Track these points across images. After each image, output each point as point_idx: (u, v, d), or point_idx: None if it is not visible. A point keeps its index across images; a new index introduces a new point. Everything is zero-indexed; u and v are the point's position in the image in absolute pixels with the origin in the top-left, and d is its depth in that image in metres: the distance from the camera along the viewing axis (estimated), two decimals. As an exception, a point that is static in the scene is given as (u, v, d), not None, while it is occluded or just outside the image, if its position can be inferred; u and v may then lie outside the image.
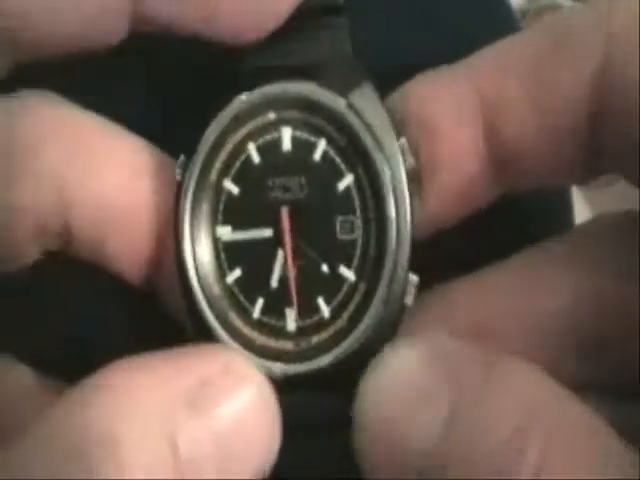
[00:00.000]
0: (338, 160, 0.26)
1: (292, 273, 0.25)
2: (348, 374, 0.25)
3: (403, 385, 0.23)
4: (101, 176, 0.26)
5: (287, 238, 0.25)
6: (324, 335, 0.26)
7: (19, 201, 0.26)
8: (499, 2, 0.33)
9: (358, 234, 0.26)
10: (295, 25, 0.26)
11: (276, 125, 0.26)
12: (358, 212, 0.26)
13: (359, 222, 0.26)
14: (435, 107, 0.26)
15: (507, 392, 0.22)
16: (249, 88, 0.25)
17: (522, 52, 0.26)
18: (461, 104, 0.26)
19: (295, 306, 0.26)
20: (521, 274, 0.27)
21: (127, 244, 0.27)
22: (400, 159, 0.25)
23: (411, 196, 0.25)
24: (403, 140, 0.25)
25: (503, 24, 0.33)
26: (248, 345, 0.25)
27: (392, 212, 0.25)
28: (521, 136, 0.25)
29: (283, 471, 0.25)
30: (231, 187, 0.26)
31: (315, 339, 0.26)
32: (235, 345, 0.25)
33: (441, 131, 0.26)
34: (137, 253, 0.27)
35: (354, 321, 0.25)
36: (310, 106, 0.25)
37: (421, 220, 0.26)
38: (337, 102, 0.25)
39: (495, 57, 0.26)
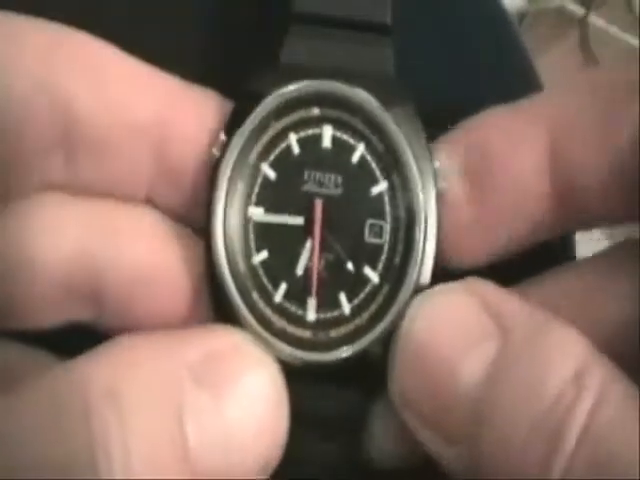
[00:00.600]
0: (374, 166, 0.26)
1: (317, 264, 0.26)
2: (362, 371, 0.25)
3: (451, 323, 0.23)
4: (130, 243, 0.26)
5: (317, 229, 0.26)
6: (342, 330, 0.26)
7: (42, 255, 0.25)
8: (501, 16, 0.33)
9: (385, 239, 0.26)
10: (341, 35, 0.27)
11: (319, 121, 0.26)
12: (388, 218, 0.26)
13: (388, 228, 0.26)
14: (502, 136, 0.26)
15: (557, 348, 0.22)
16: (293, 79, 0.26)
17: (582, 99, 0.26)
18: (528, 135, 0.26)
19: (316, 297, 0.26)
20: (575, 284, 0.27)
21: (158, 308, 0.26)
22: (431, 180, 0.26)
23: (439, 217, 0.26)
24: (437, 164, 0.26)
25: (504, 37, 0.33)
26: (267, 326, 0.25)
27: (420, 229, 0.25)
28: (587, 172, 0.25)
29: (286, 463, 0.24)
30: (268, 171, 0.26)
31: (333, 333, 0.26)
32: (254, 323, 0.25)
33: (505, 159, 0.26)
34: (168, 316, 0.27)
35: (373, 321, 0.25)
36: (354, 109, 0.26)
37: (473, 247, 0.27)
38: (377, 108, 0.26)
39: (560, 96, 0.26)
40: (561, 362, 0.21)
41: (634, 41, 0.85)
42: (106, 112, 0.25)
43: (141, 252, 0.27)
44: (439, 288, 0.25)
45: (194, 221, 0.27)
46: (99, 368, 0.21)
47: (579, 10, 0.86)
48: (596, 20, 0.87)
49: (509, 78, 0.32)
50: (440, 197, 0.26)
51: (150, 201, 0.27)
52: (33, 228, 0.26)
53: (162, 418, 0.21)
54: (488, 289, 0.24)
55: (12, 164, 0.25)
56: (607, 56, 0.84)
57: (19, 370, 0.26)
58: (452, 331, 0.23)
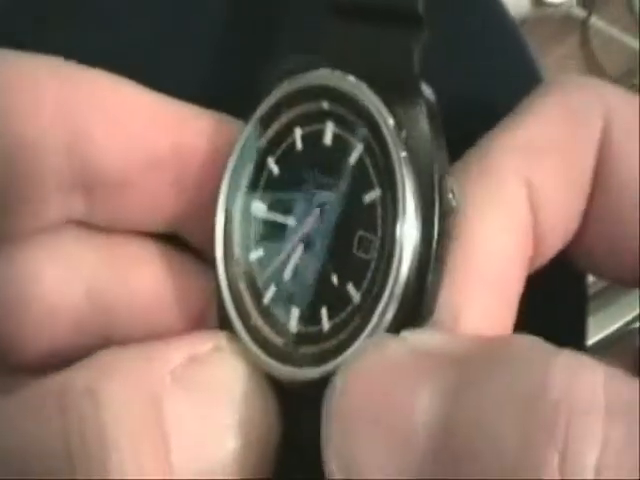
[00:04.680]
0: (371, 171, 0.23)
1: (303, 271, 0.24)
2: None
3: (394, 368, 0.20)
4: (138, 278, 0.26)
5: (308, 235, 0.24)
6: (319, 348, 0.23)
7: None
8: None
9: (373, 256, 0.23)
10: (365, 25, 0.25)
11: (324, 116, 0.24)
12: (379, 232, 0.23)
13: (377, 244, 0.23)
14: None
15: (509, 371, 0.19)
16: (308, 69, 0.25)
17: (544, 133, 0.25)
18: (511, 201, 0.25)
19: (299, 307, 0.24)
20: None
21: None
22: (436, 195, 0.22)
23: (440, 245, 0.22)
24: (449, 178, 0.23)
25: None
26: (252, 332, 0.24)
27: (397, 256, 0.22)
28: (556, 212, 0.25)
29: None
30: (273, 167, 0.25)
31: (311, 349, 0.23)
32: (240, 325, 0.24)
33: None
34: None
35: (348, 343, 0.22)
36: (356, 106, 0.24)
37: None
38: (378, 107, 0.23)
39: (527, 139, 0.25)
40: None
41: (635, 42, 0.85)
42: (123, 147, 0.25)
43: (146, 286, 0.26)
44: (366, 345, 0.22)
45: None
46: (78, 371, 0.21)
47: (580, 12, 0.86)
48: (597, 22, 0.87)
49: (513, 79, 0.32)
50: (446, 215, 0.22)
51: (174, 235, 0.27)
52: (44, 265, 0.26)
53: (141, 414, 0.21)
54: (428, 336, 0.22)
55: (26, 202, 0.25)
56: (608, 57, 0.84)
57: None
58: (391, 378, 0.20)
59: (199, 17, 0.31)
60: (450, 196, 0.23)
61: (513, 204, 0.24)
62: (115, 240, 0.27)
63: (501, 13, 0.33)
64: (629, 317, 0.69)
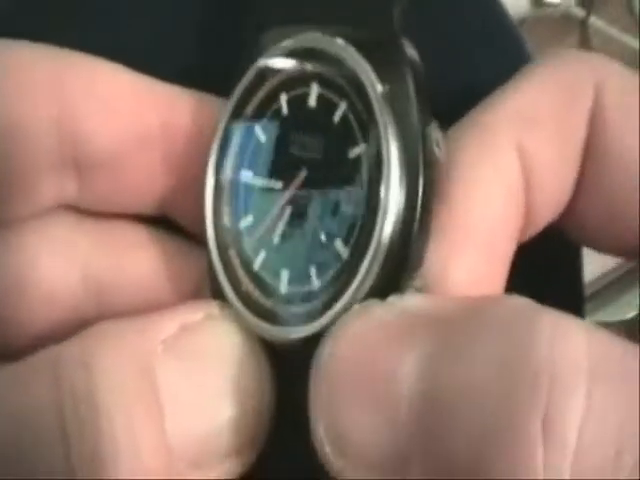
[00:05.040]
0: (355, 126, 0.23)
1: (292, 233, 0.24)
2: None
3: (380, 332, 0.20)
4: (132, 260, 0.27)
5: (295, 196, 0.24)
6: (308, 306, 0.23)
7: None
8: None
9: (360, 211, 0.23)
10: None
11: (308, 79, 0.25)
12: (364, 187, 0.23)
13: (363, 198, 0.23)
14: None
15: (493, 332, 0.19)
16: (292, 35, 0.25)
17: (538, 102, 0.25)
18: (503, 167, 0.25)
19: (289, 269, 0.24)
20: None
21: None
22: (419, 146, 0.22)
23: (425, 197, 0.23)
24: (432, 128, 0.23)
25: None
26: (243, 297, 0.24)
27: (386, 205, 0.22)
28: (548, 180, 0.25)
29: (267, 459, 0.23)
30: (260, 134, 0.25)
31: (301, 308, 0.23)
32: (231, 292, 0.24)
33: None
34: None
35: (336, 298, 0.23)
36: (337, 63, 0.24)
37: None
38: (359, 62, 0.23)
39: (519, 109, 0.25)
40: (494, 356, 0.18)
41: (634, 42, 0.85)
42: (113, 128, 0.25)
43: (140, 269, 0.27)
44: (354, 310, 0.22)
45: None
46: (71, 343, 0.21)
47: (580, 12, 0.86)
48: (596, 22, 0.87)
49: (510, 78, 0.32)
50: (431, 165, 0.23)
51: (166, 215, 0.28)
52: (39, 251, 0.26)
53: (134, 383, 0.21)
54: (415, 300, 0.22)
55: (19, 185, 0.25)
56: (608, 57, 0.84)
57: None
58: (378, 342, 0.20)
59: (199, 17, 0.31)
60: (435, 146, 0.23)
61: (504, 165, 0.24)
62: (108, 225, 0.27)
63: (500, 13, 0.33)
64: (629, 317, 0.69)
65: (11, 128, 0.24)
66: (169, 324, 0.22)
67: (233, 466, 0.22)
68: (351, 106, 0.24)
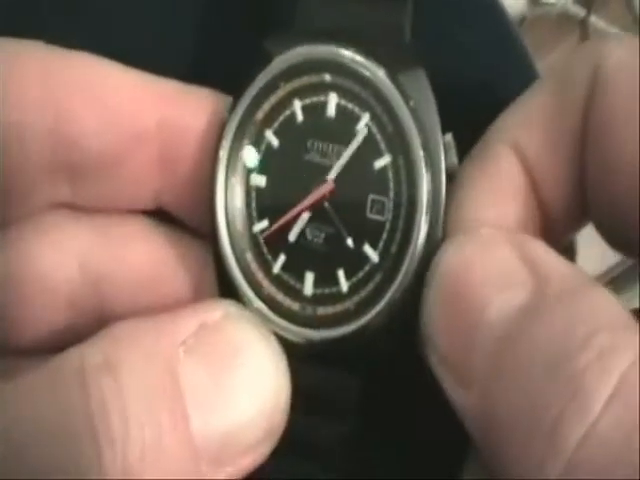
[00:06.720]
0: (379, 138, 0.25)
1: (315, 237, 0.25)
2: (358, 352, 0.25)
3: (488, 264, 0.22)
4: (129, 253, 0.27)
5: (316, 202, 0.25)
6: (339, 308, 0.25)
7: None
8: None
9: (387, 217, 0.25)
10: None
11: (326, 88, 0.25)
12: (391, 194, 0.25)
13: (390, 205, 0.25)
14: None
15: (592, 308, 0.20)
16: (305, 42, 0.25)
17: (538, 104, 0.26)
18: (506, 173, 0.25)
19: (314, 272, 0.25)
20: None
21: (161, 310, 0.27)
22: (441, 154, 0.25)
23: (447, 198, 0.25)
24: (449, 137, 0.25)
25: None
26: (264, 298, 0.25)
27: (422, 210, 0.24)
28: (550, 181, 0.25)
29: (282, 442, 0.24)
30: (272, 139, 0.26)
31: (329, 310, 0.25)
32: (251, 294, 0.25)
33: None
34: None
35: (369, 302, 0.25)
36: (360, 77, 0.25)
37: None
38: (383, 78, 0.25)
39: (521, 115, 0.26)
40: (593, 321, 0.20)
41: (634, 41, 0.85)
42: (108, 126, 0.25)
43: (141, 260, 0.27)
44: (483, 231, 0.23)
45: (205, 224, 0.27)
46: (94, 346, 0.22)
47: (580, 11, 0.87)
48: (596, 21, 0.87)
49: (509, 79, 0.32)
50: (449, 173, 0.25)
51: (161, 210, 0.28)
52: (37, 246, 0.26)
53: (159, 386, 0.21)
54: (527, 240, 0.23)
55: (13, 186, 0.25)
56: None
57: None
58: (487, 271, 0.22)
59: (199, 17, 0.32)
60: (453, 154, 0.25)
61: (502, 165, 0.25)
62: (105, 220, 0.27)
63: (499, 13, 0.33)
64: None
65: (3, 129, 0.24)
66: (189, 323, 0.23)
67: (250, 461, 0.23)
68: (374, 118, 0.25)
